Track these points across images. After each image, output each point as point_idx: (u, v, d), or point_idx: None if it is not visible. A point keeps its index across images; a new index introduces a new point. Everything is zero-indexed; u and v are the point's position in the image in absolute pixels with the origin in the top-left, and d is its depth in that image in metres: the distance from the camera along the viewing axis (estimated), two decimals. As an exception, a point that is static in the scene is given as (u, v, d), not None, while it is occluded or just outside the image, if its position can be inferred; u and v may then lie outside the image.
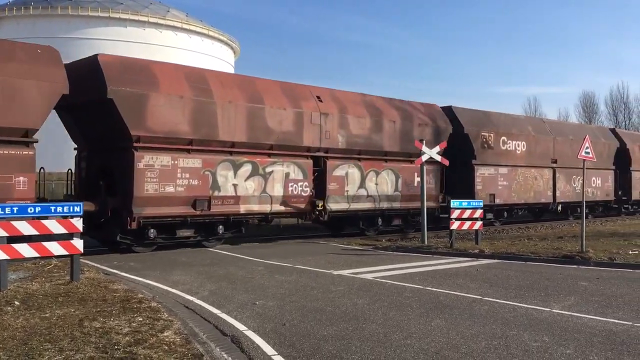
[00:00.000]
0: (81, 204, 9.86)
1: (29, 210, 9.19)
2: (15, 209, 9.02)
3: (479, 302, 8.84)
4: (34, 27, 41.88)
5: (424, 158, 17.17)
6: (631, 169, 31.38)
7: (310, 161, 18.18)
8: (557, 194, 26.59)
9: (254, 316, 7.88)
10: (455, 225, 15.61)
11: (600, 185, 29.15)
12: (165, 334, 6.63)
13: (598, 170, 29.03)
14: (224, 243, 16.76)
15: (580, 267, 12.55)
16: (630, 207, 32.21)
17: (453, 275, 11.54)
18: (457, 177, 22.43)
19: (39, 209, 9.30)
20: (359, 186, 19.27)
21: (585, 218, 22.00)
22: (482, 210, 16.25)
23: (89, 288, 9.18)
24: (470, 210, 15.95)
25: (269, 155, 17.16)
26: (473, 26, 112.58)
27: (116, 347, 6.10)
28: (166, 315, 7.52)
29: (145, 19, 44.24)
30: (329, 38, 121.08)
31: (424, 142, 17.78)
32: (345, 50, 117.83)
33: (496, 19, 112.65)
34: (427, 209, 18.12)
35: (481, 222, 16.12)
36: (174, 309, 8.24)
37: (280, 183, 17.25)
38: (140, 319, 7.26)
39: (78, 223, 9.56)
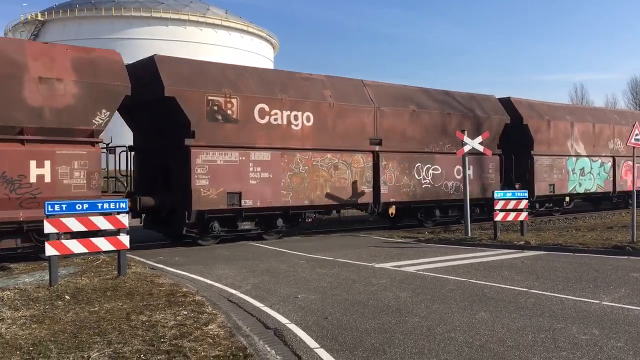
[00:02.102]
0: (126, 200, 10.08)
1: (77, 207, 9.44)
2: (64, 206, 9.29)
3: (524, 295, 8.66)
4: (79, 29, 43.08)
5: (466, 149, 16.88)
6: (533, 152, 22.57)
7: None
8: (383, 190, 18.26)
9: (296, 309, 7.92)
10: (499, 217, 15.33)
11: (472, 177, 20.03)
12: (209, 327, 6.73)
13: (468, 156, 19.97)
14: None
15: (631, 257, 12.14)
16: (536, 205, 23.17)
17: (497, 267, 11.33)
18: (178, 165, 15.26)
19: (87, 205, 9.55)
20: None
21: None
22: (527, 201, 15.88)
23: (135, 282, 9.40)
24: (515, 201, 15.64)
25: None
26: (514, 14, 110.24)
27: (162, 340, 6.22)
28: (210, 309, 7.63)
29: (186, 17, 44.97)
30: (368, 30, 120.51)
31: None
32: (382, 42, 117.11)
33: (535, 6, 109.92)
34: None
35: (526, 213, 15.78)
36: (218, 302, 8.35)
37: None
38: (185, 313, 7.39)
39: (124, 219, 9.79)
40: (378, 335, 6.60)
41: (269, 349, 6.19)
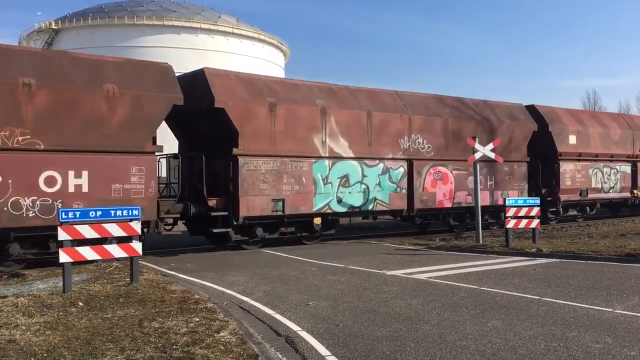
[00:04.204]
0: (139, 207, 10.16)
1: (90, 214, 9.53)
2: (77, 213, 9.38)
3: (537, 303, 8.62)
4: (92, 37, 43.49)
5: (477, 156, 16.82)
6: (237, 151, 15.12)
7: None
8: None
9: (307, 317, 7.93)
10: (511, 224, 15.26)
11: (86, 189, 12.95)
12: (221, 334, 6.76)
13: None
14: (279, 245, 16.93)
15: (644, 265, 12.04)
16: (256, 232, 15.92)
17: (509, 275, 11.28)
18: None
19: (100, 212, 9.64)
20: None
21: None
22: (539, 208, 15.79)
23: (148, 289, 9.46)
24: (527, 209, 15.57)
25: None
26: (528, 20, 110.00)
27: (174, 346, 6.26)
28: (222, 316, 7.66)
29: (197, 25, 45.25)
30: (381, 38, 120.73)
31: (476, 139, 17.24)
32: (398, 50, 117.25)
33: (547, 12, 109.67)
34: None
35: (538, 221, 15.69)
36: (229, 309, 8.38)
37: None
38: (197, 320, 7.42)
39: (137, 226, 9.86)
40: (389, 343, 6.60)
41: (280, 356, 6.21)
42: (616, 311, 7.96)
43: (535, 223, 15.51)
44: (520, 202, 15.78)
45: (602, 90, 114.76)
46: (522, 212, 15.47)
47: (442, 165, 19.62)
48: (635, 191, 26.21)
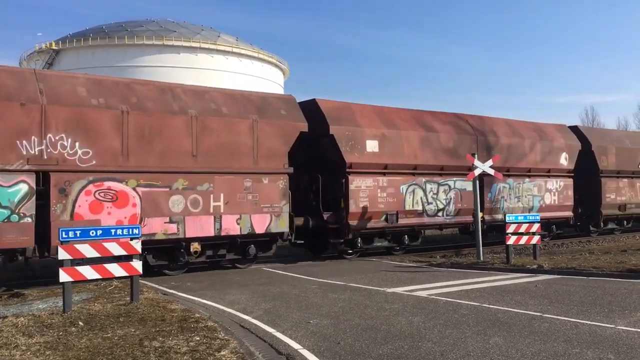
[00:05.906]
0: (139, 226, 10.15)
1: (90, 234, 9.52)
2: (78, 232, 9.38)
3: (539, 319, 8.59)
4: (92, 57, 43.85)
5: (477, 172, 16.85)
6: None
7: None
8: None
9: (308, 335, 7.90)
10: (511, 241, 15.24)
11: None
12: (222, 353, 6.73)
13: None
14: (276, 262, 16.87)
15: (646, 281, 12.01)
16: None
17: (511, 291, 11.25)
18: None
19: (100, 232, 9.63)
20: None
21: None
22: (539, 224, 15.77)
23: (148, 308, 9.42)
24: (527, 225, 15.57)
25: None
26: (525, 35, 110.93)
27: (175, 366, 6.23)
28: (223, 335, 7.63)
29: (197, 45, 45.66)
30: (376, 55, 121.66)
31: (476, 156, 17.30)
32: (392, 66, 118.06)
33: (544, 27, 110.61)
34: None
35: (539, 237, 15.67)
36: (230, 328, 8.35)
37: None
38: (198, 338, 7.39)
39: (137, 245, 9.85)
40: (391, 360, 6.57)
41: (281, 375, 6.18)
42: (618, 327, 7.93)
43: (536, 239, 15.50)
44: (520, 219, 15.77)
45: (601, 107, 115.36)
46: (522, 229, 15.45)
47: (115, 179, 13.23)
48: (480, 213, 17.57)
